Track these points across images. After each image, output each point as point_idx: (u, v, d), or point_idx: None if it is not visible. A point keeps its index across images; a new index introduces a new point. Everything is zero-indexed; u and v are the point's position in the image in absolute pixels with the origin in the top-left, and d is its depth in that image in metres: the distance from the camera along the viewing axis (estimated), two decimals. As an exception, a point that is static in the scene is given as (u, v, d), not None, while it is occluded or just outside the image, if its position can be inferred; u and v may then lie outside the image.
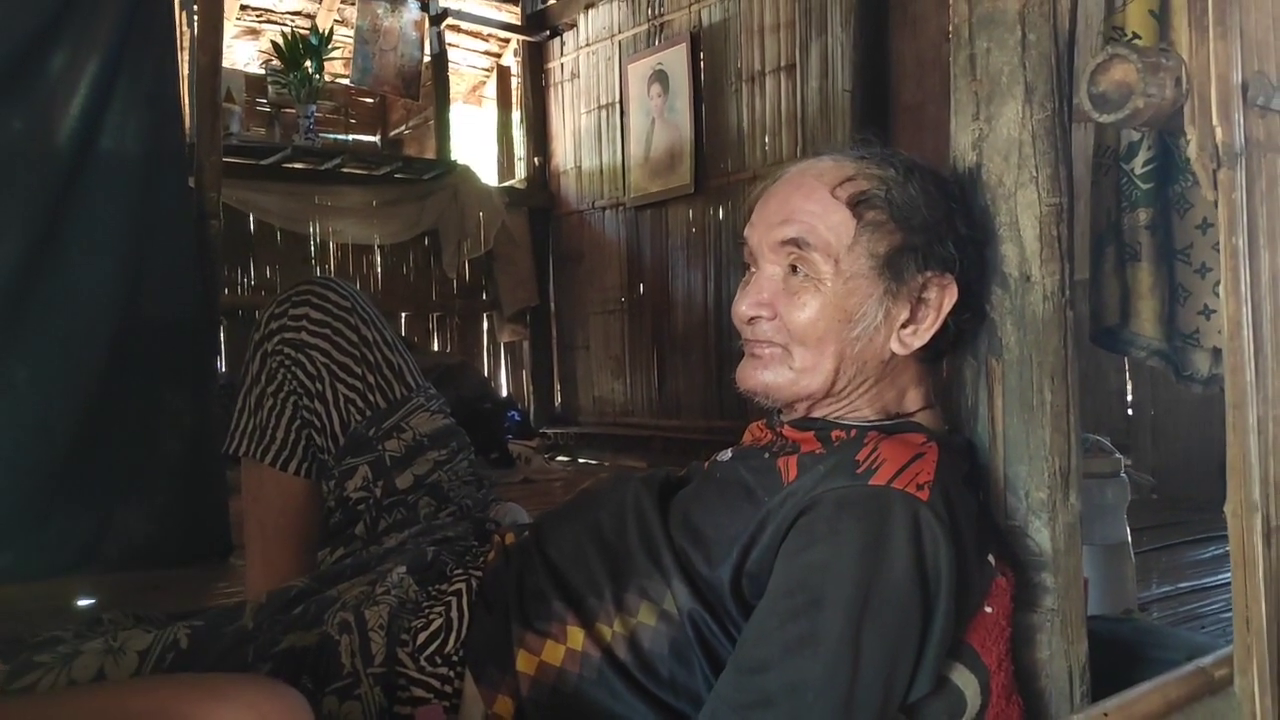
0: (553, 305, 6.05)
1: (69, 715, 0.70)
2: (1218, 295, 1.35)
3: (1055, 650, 1.10)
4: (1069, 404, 1.11)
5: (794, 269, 1.09)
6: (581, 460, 5.29)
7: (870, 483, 0.97)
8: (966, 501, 1.03)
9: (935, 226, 1.08)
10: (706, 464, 1.18)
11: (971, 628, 1.02)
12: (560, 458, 5.38)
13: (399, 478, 1.38)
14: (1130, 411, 3.71)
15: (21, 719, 0.69)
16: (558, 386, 6.10)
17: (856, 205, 1.07)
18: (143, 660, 1.04)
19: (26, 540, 2.53)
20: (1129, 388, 3.73)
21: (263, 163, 4.75)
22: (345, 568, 1.25)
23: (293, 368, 1.39)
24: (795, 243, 1.08)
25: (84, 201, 2.59)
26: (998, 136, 1.11)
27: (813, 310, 1.08)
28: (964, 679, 0.99)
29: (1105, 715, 0.99)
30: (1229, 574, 1.10)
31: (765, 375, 1.12)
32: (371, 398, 1.40)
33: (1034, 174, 1.09)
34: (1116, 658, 1.21)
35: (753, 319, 1.12)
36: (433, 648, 1.07)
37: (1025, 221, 1.10)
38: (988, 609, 1.02)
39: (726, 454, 1.18)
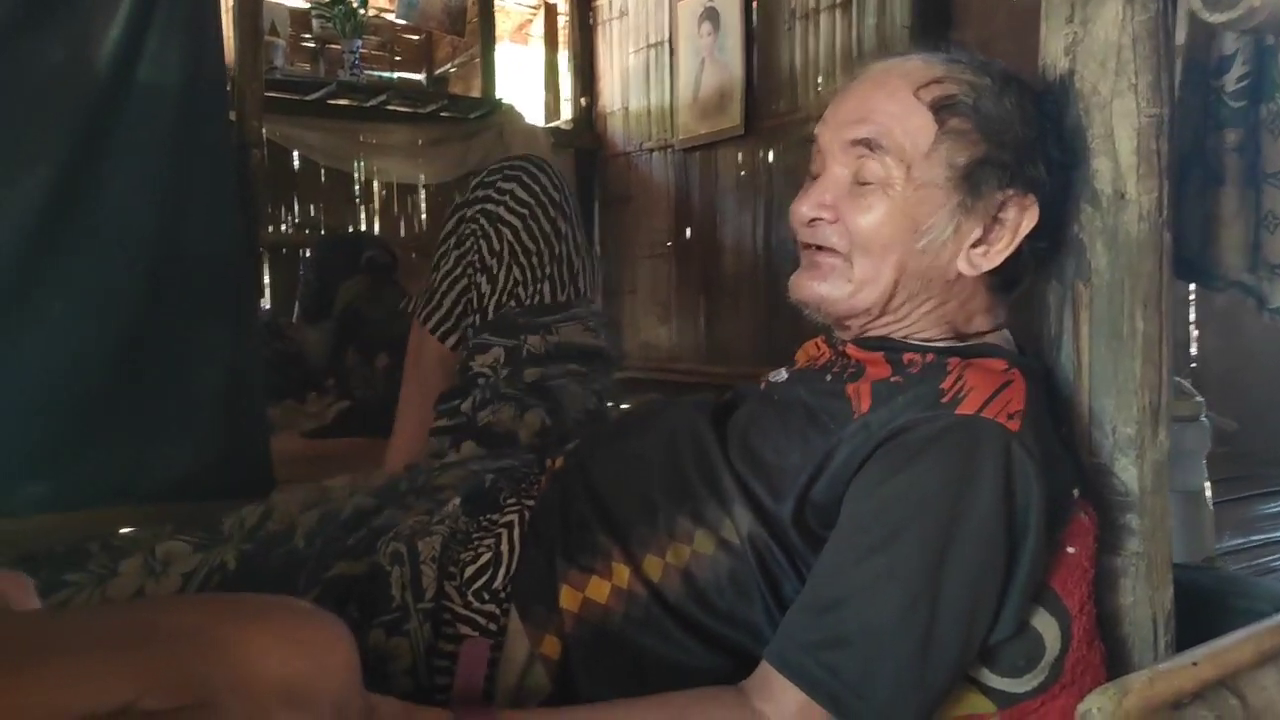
0: (598, 249, 5.96)
1: (94, 629, 0.64)
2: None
3: (1139, 596, 1.03)
4: (1162, 334, 1.03)
5: (863, 170, 1.01)
6: (625, 406, 5.24)
7: (957, 411, 0.90)
8: (1053, 433, 0.96)
9: (1028, 145, 0.99)
10: (762, 384, 1.11)
11: (1053, 568, 0.95)
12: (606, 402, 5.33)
13: (527, 371, 1.38)
14: (1195, 365, 3.57)
15: (50, 630, 0.64)
16: (603, 331, 6.05)
17: (940, 110, 0.99)
18: (186, 583, 1.00)
19: (64, 471, 2.52)
20: (1193, 338, 3.59)
21: (307, 98, 4.68)
22: (405, 490, 1.20)
23: (480, 239, 1.42)
24: (867, 143, 1.01)
25: (122, 132, 2.54)
26: (1094, 40, 1.02)
27: (878, 215, 1.00)
28: (1044, 622, 0.93)
29: (1194, 665, 0.92)
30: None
31: (821, 287, 1.05)
32: (538, 287, 1.42)
33: (1133, 81, 1.00)
34: (1198, 606, 1.13)
35: (813, 221, 1.04)
36: (480, 582, 0.99)
37: (1121, 133, 1.01)
38: (1070, 549, 0.95)
39: (781, 374, 1.10)
